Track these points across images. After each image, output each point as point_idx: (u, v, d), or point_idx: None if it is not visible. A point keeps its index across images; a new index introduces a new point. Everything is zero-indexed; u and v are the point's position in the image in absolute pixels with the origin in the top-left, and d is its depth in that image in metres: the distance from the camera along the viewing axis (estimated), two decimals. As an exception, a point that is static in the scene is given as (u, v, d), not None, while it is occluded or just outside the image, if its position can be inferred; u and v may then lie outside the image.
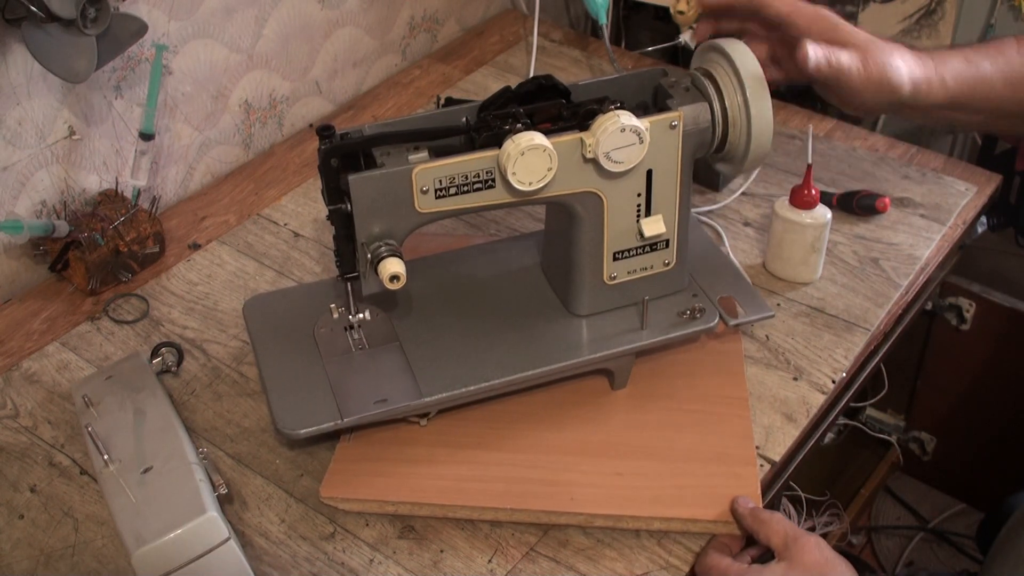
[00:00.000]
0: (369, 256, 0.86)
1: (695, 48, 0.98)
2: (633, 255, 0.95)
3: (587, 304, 0.97)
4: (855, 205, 1.18)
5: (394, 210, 0.85)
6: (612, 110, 0.86)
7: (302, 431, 0.88)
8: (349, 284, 0.91)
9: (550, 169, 0.85)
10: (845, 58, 0.91)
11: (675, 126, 0.89)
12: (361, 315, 0.95)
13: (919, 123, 0.99)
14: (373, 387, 0.91)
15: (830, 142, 1.31)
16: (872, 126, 1.52)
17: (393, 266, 0.84)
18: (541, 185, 0.86)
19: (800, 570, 0.82)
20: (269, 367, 0.94)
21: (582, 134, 0.87)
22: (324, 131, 0.84)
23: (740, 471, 0.91)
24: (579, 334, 0.96)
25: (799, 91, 1.41)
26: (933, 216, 1.19)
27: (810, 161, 1.06)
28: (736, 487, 0.89)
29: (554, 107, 0.89)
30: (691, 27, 1.37)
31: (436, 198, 0.86)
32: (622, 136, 0.86)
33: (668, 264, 0.97)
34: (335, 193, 0.85)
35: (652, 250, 0.96)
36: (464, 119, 0.88)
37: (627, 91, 0.93)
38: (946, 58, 0.95)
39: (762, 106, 0.89)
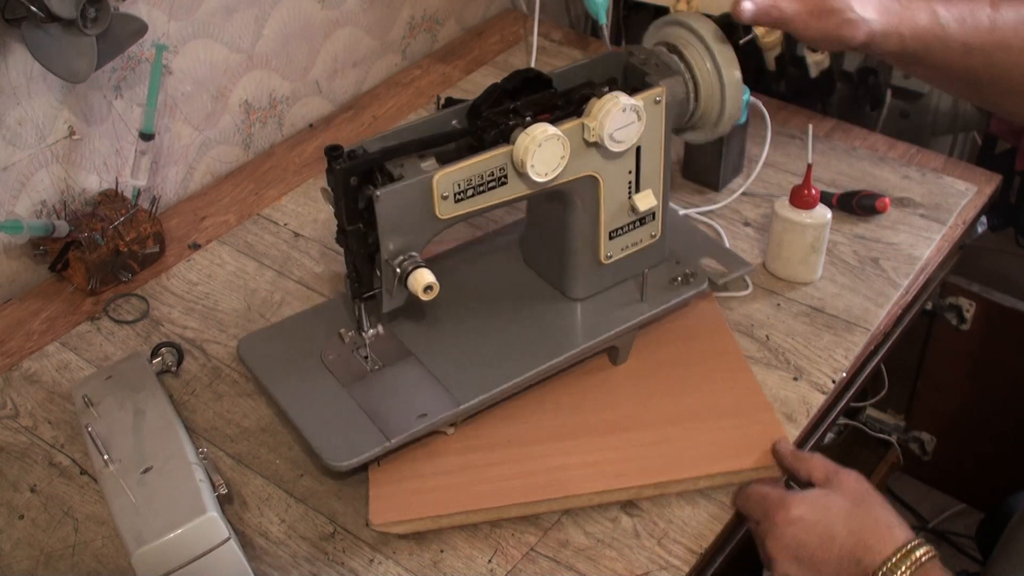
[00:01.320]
0: (398, 271, 0.85)
1: None
2: (626, 231, 0.97)
3: (584, 287, 0.98)
4: (855, 205, 1.18)
5: (417, 219, 0.85)
6: (606, 92, 0.87)
7: (354, 460, 0.86)
8: (363, 304, 0.89)
9: (563, 157, 0.86)
10: (787, 7, 0.88)
11: (659, 101, 0.91)
12: (374, 331, 0.93)
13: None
14: (407, 404, 0.90)
15: (830, 142, 1.31)
16: (872, 126, 1.52)
17: (425, 277, 0.83)
18: (556, 174, 0.87)
19: (841, 494, 0.84)
20: (292, 405, 0.91)
21: (583, 119, 0.88)
22: (333, 151, 0.82)
23: (761, 417, 0.94)
24: (585, 317, 0.98)
25: (799, 91, 1.41)
26: (933, 216, 1.19)
27: (810, 161, 1.06)
28: (764, 433, 0.93)
29: (547, 97, 0.89)
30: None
31: (455, 202, 0.86)
32: (623, 116, 0.87)
33: (655, 236, 0.99)
34: (353, 213, 0.83)
35: (641, 224, 0.98)
36: (464, 119, 0.89)
37: (597, 73, 0.95)
38: (915, 11, 0.92)
39: (732, 71, 0.93)
